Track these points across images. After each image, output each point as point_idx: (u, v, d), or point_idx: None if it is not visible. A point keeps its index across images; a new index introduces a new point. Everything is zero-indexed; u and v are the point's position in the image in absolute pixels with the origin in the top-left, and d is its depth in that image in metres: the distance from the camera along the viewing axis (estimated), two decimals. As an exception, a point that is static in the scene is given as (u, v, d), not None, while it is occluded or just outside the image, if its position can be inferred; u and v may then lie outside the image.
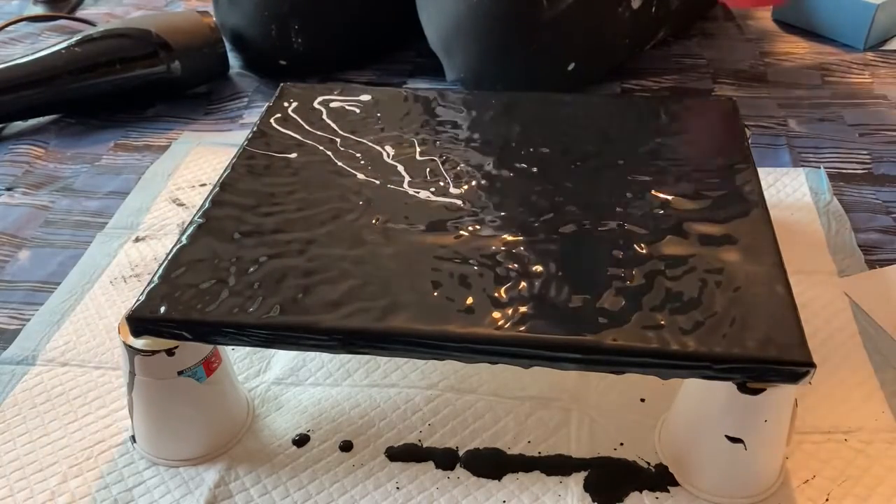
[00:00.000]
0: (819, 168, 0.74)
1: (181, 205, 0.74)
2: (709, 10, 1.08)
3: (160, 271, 0.47)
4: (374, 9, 0.94)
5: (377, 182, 0.54)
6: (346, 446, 0.50)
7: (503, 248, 0.48)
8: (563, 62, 0.83)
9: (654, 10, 0.87)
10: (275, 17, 0.90)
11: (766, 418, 0.42)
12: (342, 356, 0.56)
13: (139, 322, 0.44)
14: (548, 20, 0.80)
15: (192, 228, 0.50)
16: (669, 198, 0.51)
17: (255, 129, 0.60)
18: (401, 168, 0.56)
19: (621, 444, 0.49)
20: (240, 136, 0.80)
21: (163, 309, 0.44)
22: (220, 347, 0.48)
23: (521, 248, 0.48)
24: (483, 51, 0.83)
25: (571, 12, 0.80)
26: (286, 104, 0.63)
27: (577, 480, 0.48)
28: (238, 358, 0.57)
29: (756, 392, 0.41)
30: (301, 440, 0.51)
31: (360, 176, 0.55)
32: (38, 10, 1.16)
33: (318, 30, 0.92)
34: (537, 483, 0.48)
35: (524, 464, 0.49)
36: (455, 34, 0.84)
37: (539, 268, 0.46)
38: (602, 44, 0.86)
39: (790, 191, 0.72)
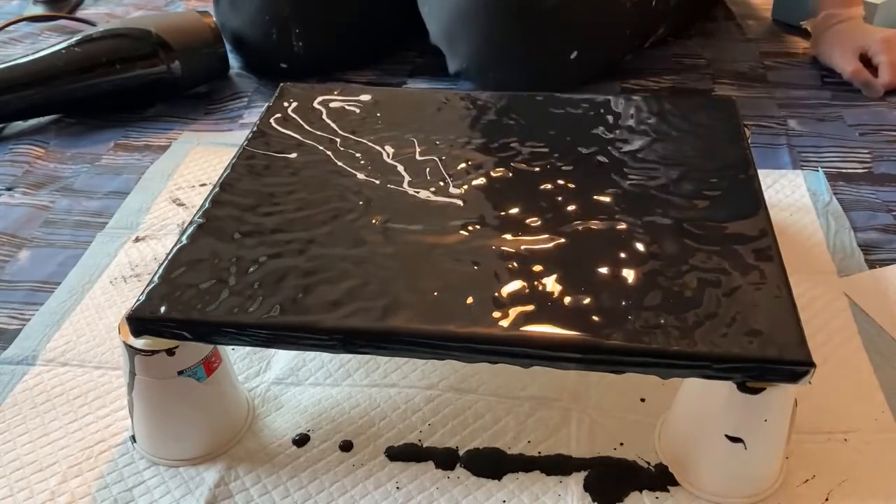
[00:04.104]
0: (818, 170, 0.74)
1: (181, 205, 0.74)
2: (709, 9, 1.08)
3: (160, 271, 0.47)
4: (374, 10, 0.94)
5: (377, 182, 0.54)
6: (346, 446, 0.50)
7: (503, 248, 0.48)
8: (565, 51, 0.83)
9: (653, 3, 0.87)
10: (275, 21, 0.90)
11: (765, 418, 0.42)
12: (342, 356, 0.56)
13: (139, 322, 0.44)
14: (549, 9, 0.80)
15: (192, 228, 0.50)
16: (669, 198, 0.51)
17: (255, 129, 0.60)
18: (401, 168, 0.56)
19: (621, 444, 0.49)
20: (240, 136, 0.80)
21: (163, 309, 0.44)
22: (220, 347, 0.48)
23: (521, 248, 0.48)
24: (485, 40, 0.83)
25: (572, 1, 0.80)
26: (286, 104, 0.63)
27: (577, 480, 0.47)
28: (238, 358, 0.57)
29: (756, 392, 0.41)
30: (301, 440, 0.51)
31: (360, 176, 0.55)
32: (38, 10, 1.16)
33: (319, 33, 0.92)
34: (537, 483, 0.48)
35: (524, 464, 0.49)
36: (457, 24, 0.84)
37: (539, 268, 0.46)
38: (603, 33, 0.86)
39: (789, 192, 0.72)
